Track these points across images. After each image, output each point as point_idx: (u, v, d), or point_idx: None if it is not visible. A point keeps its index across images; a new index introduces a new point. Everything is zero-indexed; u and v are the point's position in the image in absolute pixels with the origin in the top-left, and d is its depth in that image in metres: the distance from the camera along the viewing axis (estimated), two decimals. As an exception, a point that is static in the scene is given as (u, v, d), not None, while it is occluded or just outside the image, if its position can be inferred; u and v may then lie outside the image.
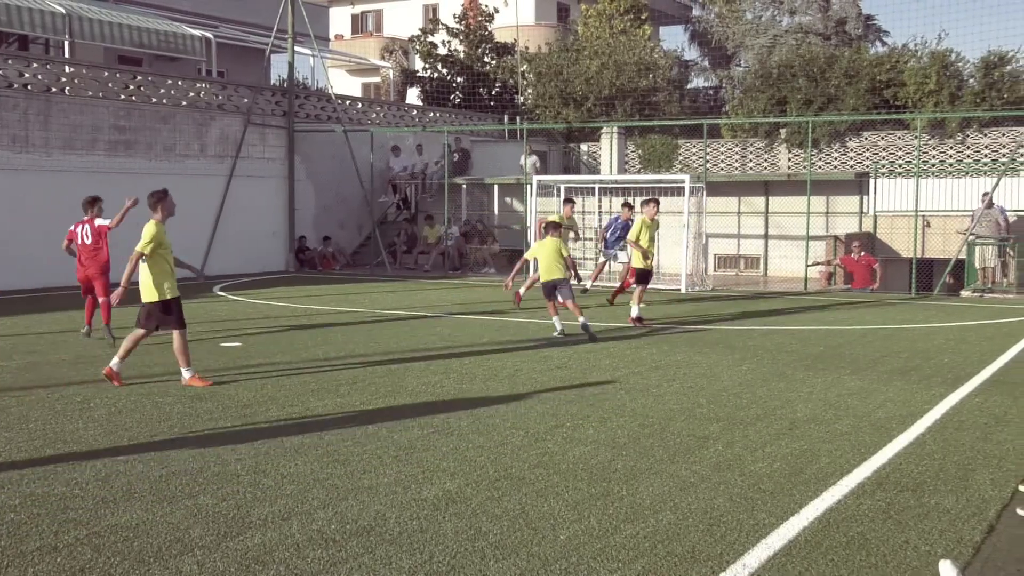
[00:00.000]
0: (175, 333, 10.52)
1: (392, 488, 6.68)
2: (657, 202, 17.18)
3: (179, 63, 30.81)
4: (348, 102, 32.02)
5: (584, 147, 33.58)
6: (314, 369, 11.47)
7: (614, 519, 6.06)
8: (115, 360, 10.51)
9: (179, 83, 26.16)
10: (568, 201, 19.24)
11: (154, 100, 25.20)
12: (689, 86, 40.00)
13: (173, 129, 25.32)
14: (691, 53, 45.84)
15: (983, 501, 6.48)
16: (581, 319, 14.17)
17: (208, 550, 5.49)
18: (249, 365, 11.70)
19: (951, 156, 27.71)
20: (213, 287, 22.01)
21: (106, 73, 24.60)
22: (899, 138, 28.59)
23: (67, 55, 26.41)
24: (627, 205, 20.95)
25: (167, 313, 10.49)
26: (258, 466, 7.21)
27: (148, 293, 10.45)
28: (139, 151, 24.44)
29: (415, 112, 34.60)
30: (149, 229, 10.47)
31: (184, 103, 25.92)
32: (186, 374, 10.51)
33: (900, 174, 25.48)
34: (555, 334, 14.43)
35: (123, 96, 24.53)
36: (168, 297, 10.47)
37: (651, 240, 16.80)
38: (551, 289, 14.70)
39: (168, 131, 25.18)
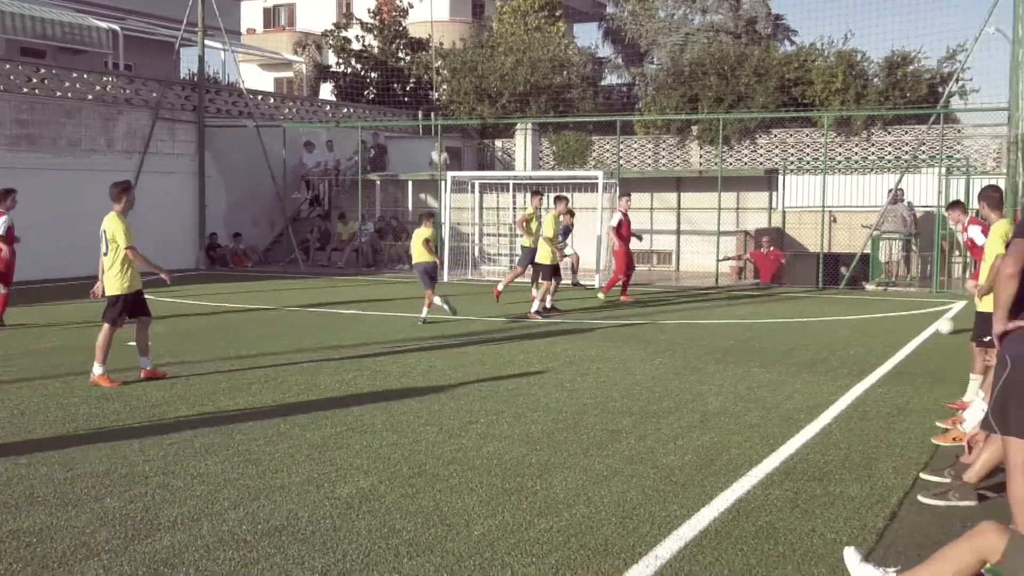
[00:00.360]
0: (106, 326, 10.37)
1: (305, 487, 6.62)
2: (566, 199, 17.84)
3: (85, 56, 30.09)
4: (260, 97, 31.62)
5: (499, 143, 33.61)
6: (225, 368, 11.31)
7: (528, 514, 6.09)
8: (144, 360, 10.65)
9: (85, 76, 25.58)
10: (536, 194, 19.20)
11: (59, 93, 24.61)
12: (603, 83, 40.26)
13: (79, 123, 24.75)
14: (605, 50, 46.22)
15: (886, 489, 6.65)
16: (424, 312, 15.55)
17: (115, 554, 5.38)
18: (158, 364, 11.47)
19: (856, 153, 28.31)
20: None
21: (7, 65, 23.94)
22: (807, 135, 29.12)
23: (-34, 47, 25.69)
24: (570, 212, 20.64)
25: (136, 303, 10.50)
26: (167, 467, 7.09)
27: (113, 286, 10.38)
28: (43, 146, 23.85)
29: (328, 108, 34.30)
30: (117, 222, 10.43)
31: (90, 97, 25.36)
32: (97, 370, 10.29)
33: (808, 171, 25.96)
34: (450, 317, 15.40)
35: (26, 89, 23.91)
36: (129, 291, 10.42)
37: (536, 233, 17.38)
38: (424, 272, 15.63)
39: (74, 125, 24.61)
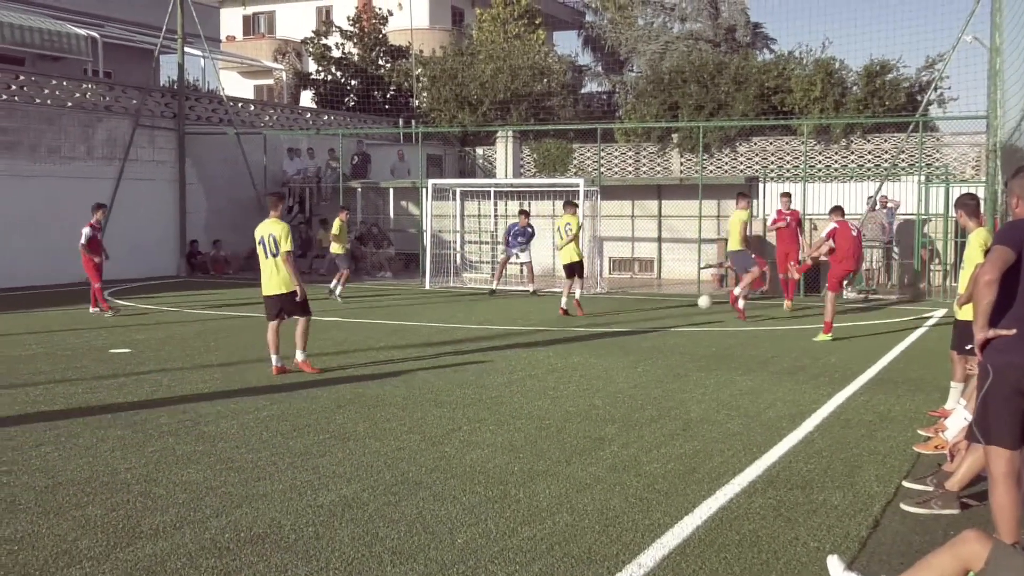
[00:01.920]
0: (301, 319, 11.56)
1: (287, 495, 6.60)
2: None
3: (64, 63, 29.94)
4: (240, 104, 31.55)
5: (480, 151, 33.62)
6: (207, 375, 11.26)
7: (511, 522, 6.08)
8: (274, 358, 11.46)
9: (64, 83, 25.46)
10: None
11: (38, 101, 24.49)
12: (583, 91, 40.32)
13: (59, 130, 24.63)
14: (584, 58, 46.19)
15: (869, 497, 6.67)
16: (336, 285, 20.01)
17: (97, 561, 5.35)
18: (140, 372, 11.44)
19: (836, 161, 28.45)
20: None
21: (-14, 72, 23.83)
22: (787, 143, 29.24)
23: (-56, 53, 25.52)
24: (524, 212, 22.02)
25: (293, 302, 11.45)
26: (149, 475, 7.05)
27: (277, 286, 11.39)
28: (22, 153, 23.71)
29: (309, 115, 34.25)
30: (283, 227, 11.29)
31: (70, 104, 25.24)
32: (299, 356, 11.50)
33: (788, 178, 26.05)
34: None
35: (4, 96, 23.78)
36: (287, 291, 11.41)
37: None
38: (331, 261, 20.73)
39: (53, 133, 24.48)
